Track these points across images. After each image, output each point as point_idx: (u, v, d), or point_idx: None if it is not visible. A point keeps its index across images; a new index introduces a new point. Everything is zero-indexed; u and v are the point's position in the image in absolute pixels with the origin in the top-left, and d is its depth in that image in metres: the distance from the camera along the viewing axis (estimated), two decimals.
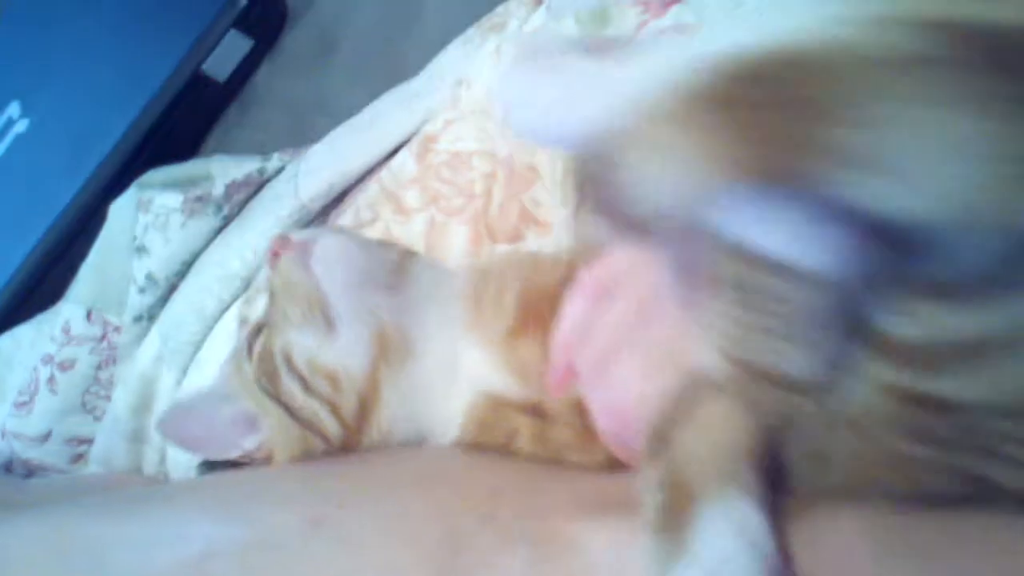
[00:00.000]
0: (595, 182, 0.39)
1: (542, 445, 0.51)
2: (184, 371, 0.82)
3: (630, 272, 0.46)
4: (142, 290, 0.86)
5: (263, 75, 1.12)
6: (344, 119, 0.86)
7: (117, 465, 0.85)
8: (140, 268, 0.87)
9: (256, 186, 0.89)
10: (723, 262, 0.35)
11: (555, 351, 0.49)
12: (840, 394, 0.35)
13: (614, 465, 0.48)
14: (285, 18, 1.11)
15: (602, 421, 0.47)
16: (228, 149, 1.01)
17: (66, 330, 0.87)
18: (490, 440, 0.53)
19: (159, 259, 0.86)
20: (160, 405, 0.84)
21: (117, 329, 0.88)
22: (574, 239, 0.68)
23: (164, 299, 0.87)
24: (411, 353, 0.54)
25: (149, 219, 0.86)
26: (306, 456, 0.55)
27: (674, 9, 0.67)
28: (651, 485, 0.37)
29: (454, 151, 0.75)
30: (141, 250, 0.87)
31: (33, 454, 0.87)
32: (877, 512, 0.36)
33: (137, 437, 0.85)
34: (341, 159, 0.82)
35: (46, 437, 0.87)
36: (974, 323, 0.32)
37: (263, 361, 0.55)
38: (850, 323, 0.34)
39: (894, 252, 0.31)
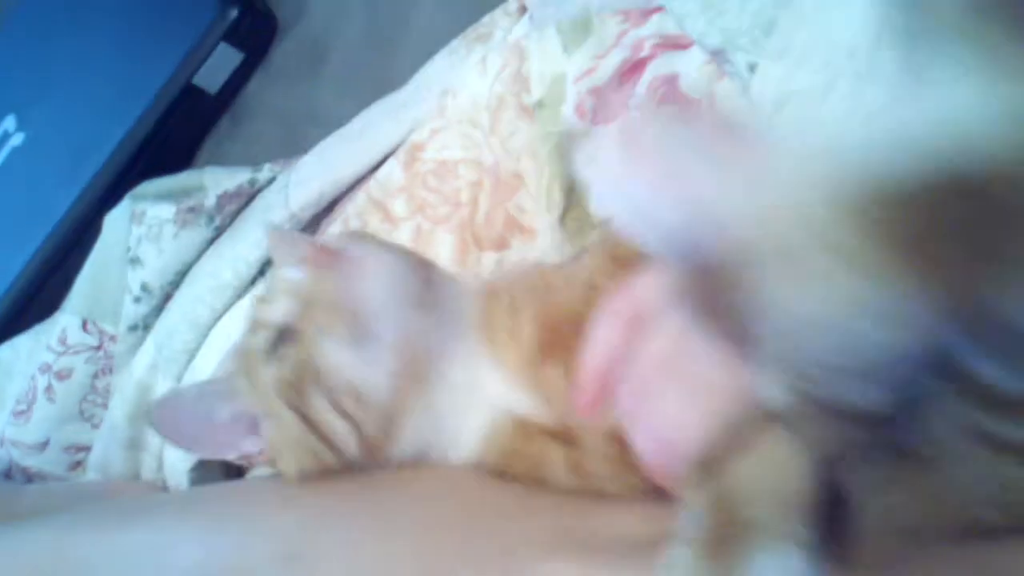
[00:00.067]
0: (706, 286, 0.35)
1: (579, 476, 0.49)
2: (179, 379, 0.82)
3: (668, 299, 0.44)
4: (137, 300, 0.86)
5: (254, 87, 1.12)
6: (334, 130, 0.86)
7: (115, 472, 0.85)
8: (135, 278, 0.86)
9: (247, 197, 0.88)
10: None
11: (584, 376, 0.47)
12: (916, 433, 0.33)
13: (649, 496, 0.46)
14: (275, 31, 1.11)
15: (645, 449, 0.44)
16: (220, 160, 1.01)
17: (63, 340, 0.87)
18: (519, 469, 0.50)
19: (153, 270, 0.86)
20: None
21: (113, 338, 0.88)
22: (558, 246, 0.69)
23: (159, 309, 0.87)
24: (436, 373, 0.52)
25: (142, 230, 0.86)
26: (315, 469, 0.52)
27: (654, 18, 0.67)
28: (695, 510, 0.35)
29: (440, 160, 0.75)
30: (135, 261, 0.86)
31: (32, 461, 0.87)
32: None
33: (134, 444, 0.84)
34: (331, 169, 0.81)
35: (44, 445, 0.87)
36: None
37: (293, 370, 0.51)
38: (938, 365, 0.31)
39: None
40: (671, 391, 0.42)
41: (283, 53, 1.11)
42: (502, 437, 0.51)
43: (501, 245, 0.70)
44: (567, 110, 0.68)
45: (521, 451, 0.50)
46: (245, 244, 0.82)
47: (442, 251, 0.72)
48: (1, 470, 0.88)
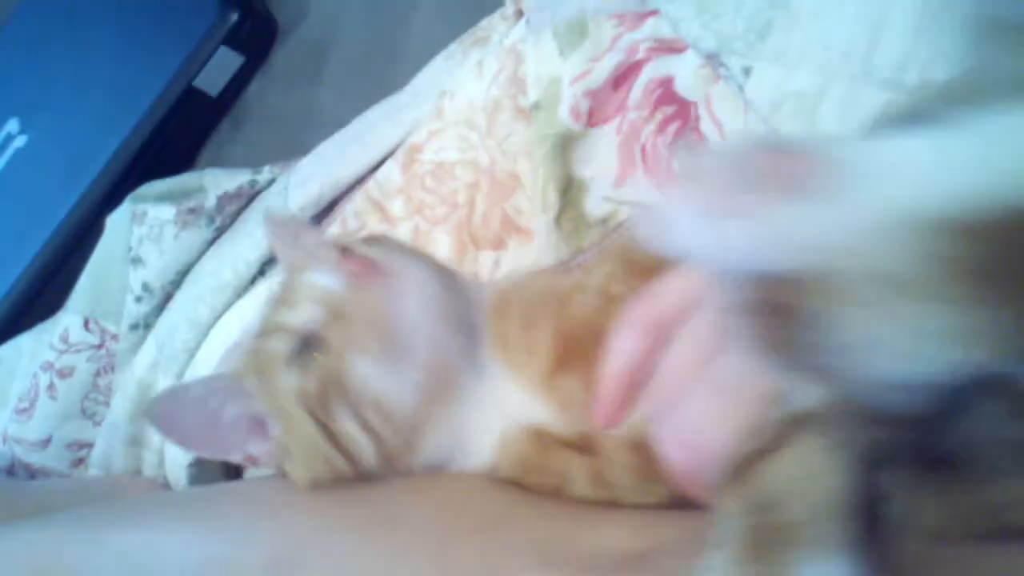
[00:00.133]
0: (771, 317, 0.33)
1: (600, 487, 0.48)
2: (179, 377, 0.81)
3: (693, 306, 0.43)
4: (138, 299, 0.86)
5: (255, 90, 1.12)
6: (334, 132, 0.86)
7: (116, 468, 0.84)
8: (136, 278, 0.86)
9: (247, 198, 0.88)
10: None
11: (604, 385, 0.46)
12: (952, 438, 0.33)
13: (673, 505, 0.46)
14: (276, 34, 1.11)
15: (674, 456, 0.43)
16: (221, 163, 1.01)
17: (64, 338, 0.87)
18: (538, 482, 0.49)
19: (154, 270, 0.85)
20: None
21: (114, 337, 0.87)
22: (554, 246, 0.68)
23: (159, 308, 0.86)
24: (460, 387, 0.50)
25: (144, 231, 0.86)
26: (328, 477, 0.51)
27: (649, 22, 0.67)
28: (731, 515, 0.34)
29: (438, 161, 0.74)
30: (136, 261, 0.86)
31: (34, 458, 0.87)
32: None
33: (136, 441, 0.84)
34: (330, 170, 0.81)
35: (47, 442, 0.87)
36: None
37: (319, 382, 0.49)
38: (989, 382, 0.31)
39: None
40: (699, 397, 0.41)
41: (284, 56, 1.11)
42: (519, 449, 0.50)
43: (498, 245, 0.70)
44: (563, 112, 0.68)
45: (540, 464, 0.49)
46: (245, 244, 0.82)
47: (439, 251, 0.72)
48: (4, 467, 0.87)
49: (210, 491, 0.63)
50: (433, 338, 0.49)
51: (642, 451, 0.45)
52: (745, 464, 0.36)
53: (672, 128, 0.65)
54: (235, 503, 0.55)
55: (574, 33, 0.69)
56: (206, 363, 0.80)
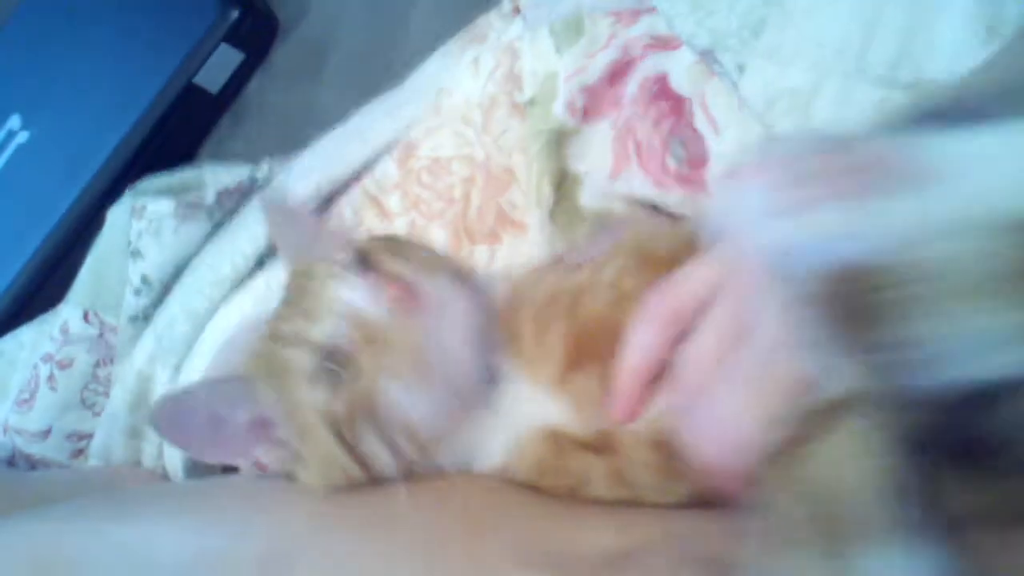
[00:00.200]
0: (842, 317, 0.32)
1: (620, 487, 0.47)
2: (177, 369, 0.81)
3: (713, 296, 0.42)
4: (137, 292, 0.85)
5: (255, 87, 1.12)
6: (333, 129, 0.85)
7: (116, 459, 0.84)
8: (135, 271, 0.85)
9: (246, 193, 0.88)
10: None
11: (621, 381, 0.45)
12: (994, 422, 0.32)
13: (693, 504, 0.45)
14: (276, 32, 1.11)
15: (702, 449, 0.41)
16: (221, 158, 1.00)
17: (64, 330, 0.86)
18: (556, 485, 0.48)
19: (153, 263, 0.85)
20: None
21: (114, 329, 0.86)
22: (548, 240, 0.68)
23: (158, 301, 0.85)
24: (479, 397, 0.50)
25: (143, 225, 0.85)
26: (342, 484, 0.50)
27: (645, 19, 0.67)
28: (784, 506, 0.33)
29: (434, 157, 0.74)
30: (136, 254, 0.85)
31: (35, 449, 0.86)
32: None
33: (135, 433, 0.83)
34: (328, 165, 0.80)
35: (47, 433, 0.86)
36: None
37: (350, 405, 0.47)
38: None
39: None
40: (725, 387, 0.40)
41: (284, 54, 1.10)
42: (535, 452, 0.49)
43: (493, 239, 0.69)
44: (558, 107, 0.68)
45: (556, 466, 0.48)
46: (243, 239, 0.81)
47: (435, 246, 0.71)
48: (5, 457, 0.87)
49: (208, 484, 0.62)
50: (469, 367, 0.48)
51: (663, 448, 0.44)
52: (783, 454, 0.35)
53: (666, 124, 0.64)
54: (233, 497, 0.54)
55: (570, 30, 0.69)
56: (203, 355, 0.79)
